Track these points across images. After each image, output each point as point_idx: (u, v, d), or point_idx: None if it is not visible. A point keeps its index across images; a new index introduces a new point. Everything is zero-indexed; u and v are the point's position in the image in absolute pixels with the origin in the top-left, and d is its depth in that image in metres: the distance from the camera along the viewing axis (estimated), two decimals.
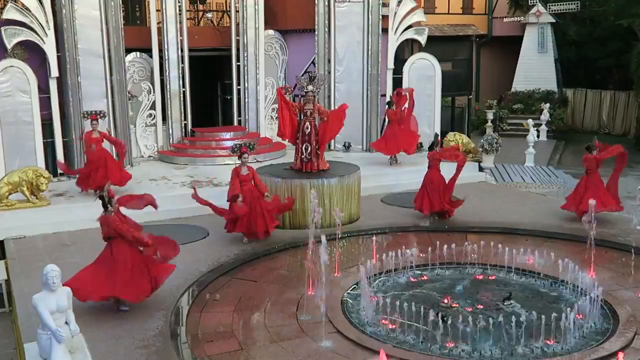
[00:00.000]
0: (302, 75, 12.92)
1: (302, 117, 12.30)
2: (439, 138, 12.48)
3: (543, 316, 7.20)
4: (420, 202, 11.69)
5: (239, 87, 17.23)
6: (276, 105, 17.23)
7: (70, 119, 13.90)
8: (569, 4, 28.55)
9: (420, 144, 15.89)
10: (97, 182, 11.99)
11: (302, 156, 12.19)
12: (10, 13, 13.16)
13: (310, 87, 12.25)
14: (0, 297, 10.21)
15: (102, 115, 12.96)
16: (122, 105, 14.86)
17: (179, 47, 16.19)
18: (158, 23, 16.15)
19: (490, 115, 27.58)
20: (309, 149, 12.21)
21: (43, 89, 13.64)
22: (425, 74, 16.97)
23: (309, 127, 12.28)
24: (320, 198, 11.52)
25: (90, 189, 12.35)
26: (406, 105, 15.20)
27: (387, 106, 15.62)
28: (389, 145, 15.16)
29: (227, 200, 10.45)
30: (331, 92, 17.17)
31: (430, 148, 11.95)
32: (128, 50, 15.31)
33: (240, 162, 10.65)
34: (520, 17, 29.91)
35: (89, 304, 7.88)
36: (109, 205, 7.84)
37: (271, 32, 17.96)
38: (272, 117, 17.66)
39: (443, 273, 9.52)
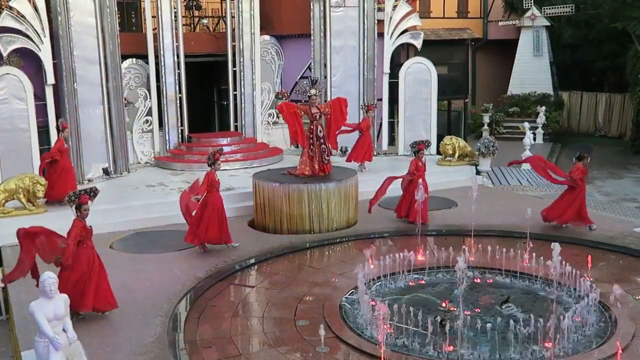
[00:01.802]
0: (304, 80, 12.95)
1: (312, 122, 12.35)
2: (421, 144, 12.03)
3: (541, 319, 7.20)
4: (414, 212, 11.62)
5: (235, 92, 17.22)
6: (273, 111, 17.38)
7: None
8: (563, 7, 28.62)
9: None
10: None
11: (321, 159, 12.26)
12: (5, 21, 13.13)
13: (313, 91, 12.29)
14: None
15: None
16: (119, 111, 14.84)
17: (175, 53, 16.18)
18: (154, 29, 16.15)
19: (486, 119, 27.65)
20: (326, 150, 12.31)
21: (39, 96, 13.62)
22: (421, 78, 16.99)
23: (321, 130, 12.36)
24: (318, 203, 11.55)
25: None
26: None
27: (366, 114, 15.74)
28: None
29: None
30: (328, 96, 17.16)
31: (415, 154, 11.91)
32: (124, 57, 15.31)
33: (212, 168, 10.31)
34: (515, 20, 29.98)
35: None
36: (77, 211, 7.81)
37: (267, 37, 17.97)
38: (268, 122, 17.66)
39: (441, 277, 9.52)
